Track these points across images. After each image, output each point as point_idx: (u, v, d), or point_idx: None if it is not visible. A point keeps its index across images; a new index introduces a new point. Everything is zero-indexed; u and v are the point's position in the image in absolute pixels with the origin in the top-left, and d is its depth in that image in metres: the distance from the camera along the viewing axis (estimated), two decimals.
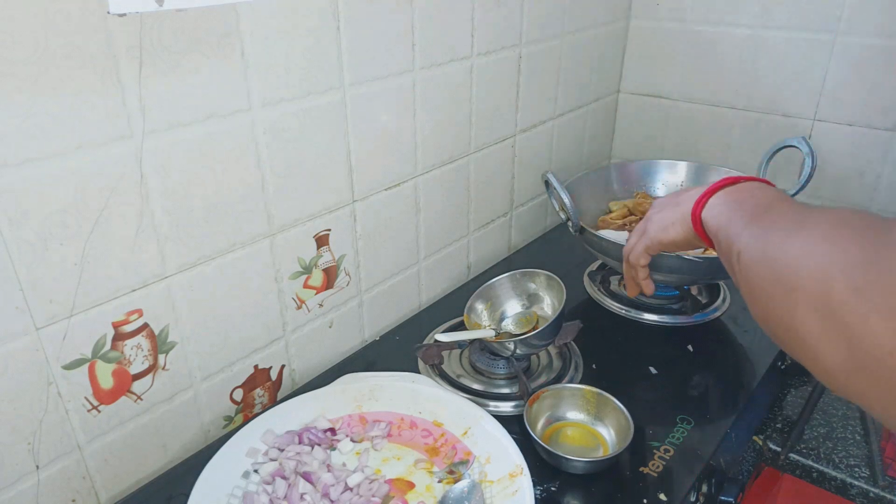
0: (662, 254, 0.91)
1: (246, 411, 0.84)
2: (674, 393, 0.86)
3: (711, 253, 1.01)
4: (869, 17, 1.09)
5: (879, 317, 0.33)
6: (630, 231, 1.05)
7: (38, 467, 0.64)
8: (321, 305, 0.89)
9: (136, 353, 0.69)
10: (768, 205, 0.52)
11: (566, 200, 0.95)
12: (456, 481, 0.69)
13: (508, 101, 1.10)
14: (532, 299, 0.92)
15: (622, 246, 0.92)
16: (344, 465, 0.72)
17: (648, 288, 0.83)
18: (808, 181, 1.06)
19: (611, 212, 1.14)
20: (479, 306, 0.91)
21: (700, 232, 0.64)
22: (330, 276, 0.88)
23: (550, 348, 0.91)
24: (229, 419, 0.82)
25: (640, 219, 1.07)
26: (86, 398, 0.66)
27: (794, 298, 0.40)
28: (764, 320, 0.45)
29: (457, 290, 1.11)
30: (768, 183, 0.61)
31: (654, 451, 0.75)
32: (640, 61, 1.37)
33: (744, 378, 0.89)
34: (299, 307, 0.86)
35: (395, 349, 0.95)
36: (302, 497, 0.66)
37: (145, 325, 0.69)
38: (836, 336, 0.36)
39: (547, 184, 0.99)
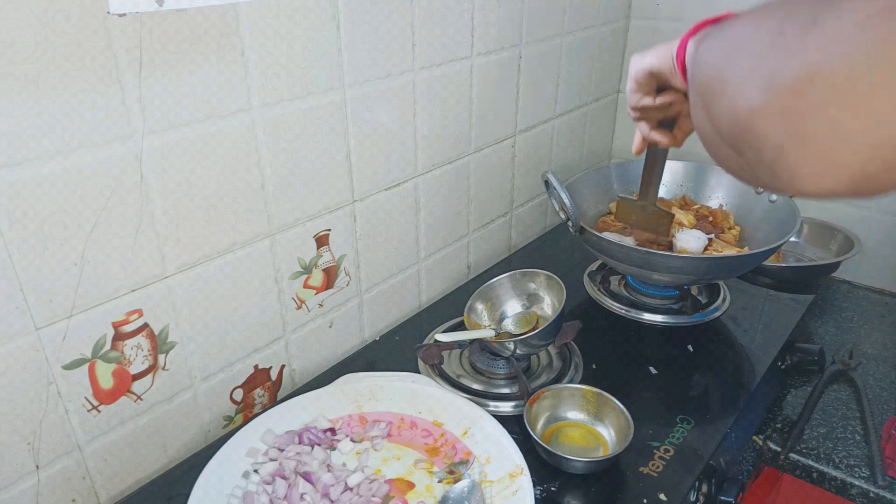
0: (663, 253, 0.91)
1: (246, 411, 0.84)
2: (674, 393, 0.86)
3: (712, 253, 1.01)
4: None
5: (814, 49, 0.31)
6: (630, 234, 1.05)
7: (38, 467, 0.64)
8: (321, 305, 0.89)
9: (136, 353, 0.69)
10: (721, 21, 0.49)
11: (566, 200, 0.95)
12: (456, 481, 0.69)
13: (508, 101, 1.10)
14: (532, 299, 0.92)
15: (622, 246, 0.92)
16: (344, 465, 0.72)
17: (662, 139, 0.79)
18: None
19: (611, 213, 1.14)
20: (479, 306, 0.91)
21: (681, 66, 0.62)
22: (330, 276, 0.88)
23: (550, 348, 0.91)
24: (229, 419, 0.82)
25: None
26: (86, 398, 0.66)
27: (742, 49, 0.38)
28: (704, 90, 0.42)
29: (457, 290, 1.11)
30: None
31: (654, 451, 0.75)
32: None
33: (744, 378, 0.89)
34: (299, 307, 0.86)
35: (395, 349, 0.95)
36: (302, 497, 0.66)
37: (145, 325, 0.69)
38: (759, 68, 0.34)
39: (547, 184, 0.99)
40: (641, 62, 0.71)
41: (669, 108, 0.76)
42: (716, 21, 0.57)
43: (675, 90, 0.73)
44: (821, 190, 0.34)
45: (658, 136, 0.79)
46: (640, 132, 0.80)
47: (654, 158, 0.90)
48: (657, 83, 0.73)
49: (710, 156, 0.46)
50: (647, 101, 0.75)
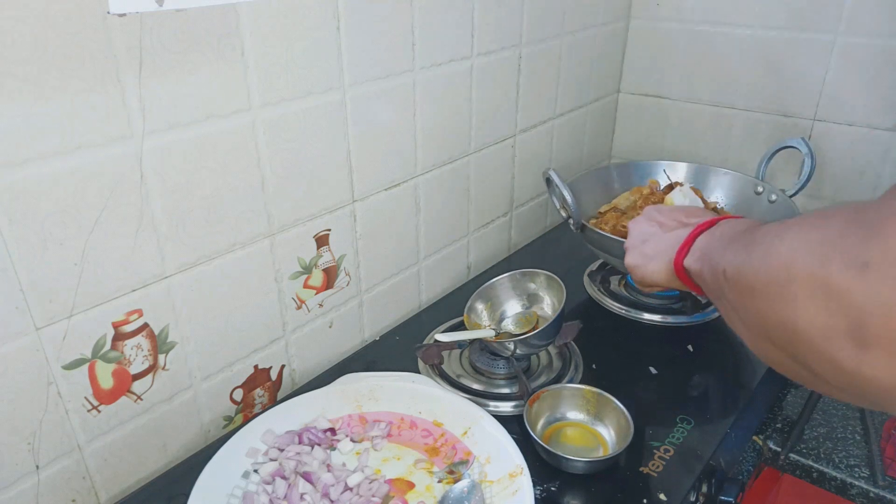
0: None
1: (246, 411, 0.84)
2: (674, 393, 0.86)
3: None
4: (869, 17, 1.09)
5: (889, 286, 0.31)
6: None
7: (38, 467, 0.64)
8: (321, 305, 0.89)
9: (136, 353, 0.69)
10: (747, 228, 0.51)
11: (568, 197, 0.95)
12: (456, 481, 0.69)
13: (508, 101, 1.10)
14: (532, 299, 0.92)
15: (623, 243, 0.92)
16: (344, 465, 0.72)
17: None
18: (807, 181, 1.06)
19: (601, 214, 1.13)
20: (479, 306, 0.91)
21: (686, 281, 0.63)
22: (330, 276, 0.88)
23: (550, 348, 0.91)
24: (229, 419, 0.82)
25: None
26: (86, 398, 0.66)
27: (792, 291, 0.37)
28: (760, 330, 0.42)
29: (457, 290, 1.11)
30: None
31: (654, 451, 0.75)
32: (640, 61, 1.37)
33: (744, 378, 0.89)
34: (299, 307, 0.86)
35: (395, 349, 0.95)
36: (302, 497, 0.66)
37: (145, 325, 0.69)
38: (841, 319, 0.33)
39: (548, 181, 0.99)
40: (648, 282, 0.70)
41: None
42: (701, 233, 0.60)
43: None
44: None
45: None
46: None
47: None
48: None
49: (796, 380, 0.46)
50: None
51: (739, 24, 1.22)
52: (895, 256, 0.31)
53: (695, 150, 1.36)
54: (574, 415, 0.79)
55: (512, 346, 0.82)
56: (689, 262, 0.61)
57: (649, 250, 0.69)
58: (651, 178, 1.18)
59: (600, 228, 0.99)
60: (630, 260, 0.72)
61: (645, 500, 0.69)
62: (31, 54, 0.53)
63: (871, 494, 0.80)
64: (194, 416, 0.78)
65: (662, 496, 0.69)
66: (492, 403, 0.81)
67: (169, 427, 0.75)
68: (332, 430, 0.76)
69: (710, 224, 0.60)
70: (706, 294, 0.58)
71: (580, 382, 0.84)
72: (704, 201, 1.11)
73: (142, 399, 0.71)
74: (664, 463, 0.73)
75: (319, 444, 0.73)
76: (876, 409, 0.37)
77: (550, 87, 1.19)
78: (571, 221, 0.97)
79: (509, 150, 1.15)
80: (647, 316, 1.01)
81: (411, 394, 0.79)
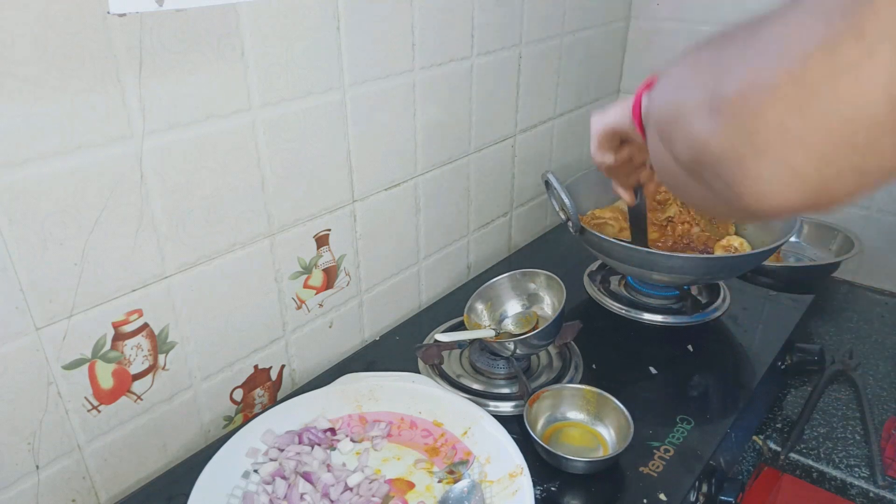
0: (663, 253, 0.91)
1: (246, 411, 0.84)
2: (674, 393, 0.86)
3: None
4: None
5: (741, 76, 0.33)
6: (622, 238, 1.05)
7: (38, 467, 0.64)
8: (321, 305, 0.89)
9: (136, 353, 0.69)
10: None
11: (566, 201, 0.95)
12: (456, 481, 0.69)
13: (508, 101, 1.10)
14: (532, 299, 0.92)
15: (623, 246, 0.92)
16: (344, 465, 0.72)
17: (627, 197, 0.83)
18: None
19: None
20: (479, 306, 0.91)
21: (637, 115, 0.63)
22: (330, 276, 0.88)
23: (550, 348, 0.91)
24: (229, 419, 0.82)
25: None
26: (86, 398, 0.66)
27: (689, 84, 0.40)
28: (661, 130, 0.44)
29: (457, 290, 1.11)
30: None
31: (654, 451, 0.75)
32: (640, 61, 1.37)
33: (744, 378, 0.89)
34: (299, 307, 0.86)
35: (395, 349, 0.95)
36: (302, 497, 0.66)
37: (145, 325, 0.69)
38: (707, 93, 0.36)
39: (547, 184, 0.99)
40: (602, 121, 0.73)
41: (632, 163, 0.79)
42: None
43: (635, 145, 0.74)
44: (783, 202, 0.34)
45: (624, 194, 0.84)
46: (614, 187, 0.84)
47: (638, 214, 0.92)
48: (619, 140, 0.74)
49: (675, 193, 0.47)
50: (609, 157, 0.76)
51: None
52: (771, 40, 0.32)
53: None
54: (574, 415, 0.79)
55: (512, 346, 0.82)
56: (646, 97, 0.60)
57: (613, 105, 0.72)
58: None
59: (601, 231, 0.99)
60: (592, 119, 0.75)
61: (645, 500, 0.69)
62: (31, 54, 0.53)
63: (871, 494, 0.80)
64: (194, 416, 0.78)
65: (662, 496, 0.69)
66: (492, 403, 0.81)
67: (169, 427, 0.75)
68: (332, 430, 0.76)
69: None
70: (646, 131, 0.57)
71: (580, 382, 0.84)
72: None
73: (142, 399, 0.71)
74: (664, 463, 0.73)
75: (319, 444, 0.73)
76: (718, 197, 0.39)
77: (550, 87, 1.19)
78: (570, 224, 0.97)
79: (509, 150, 1.15)
80: (647, 316, 1.01)
81: (411, 394, 0.79)
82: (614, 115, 0.71)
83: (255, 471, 0.70)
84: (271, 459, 0.71)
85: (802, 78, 0.30)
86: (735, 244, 1.02)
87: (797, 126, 0.31)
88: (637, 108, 0.63)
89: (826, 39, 0.29)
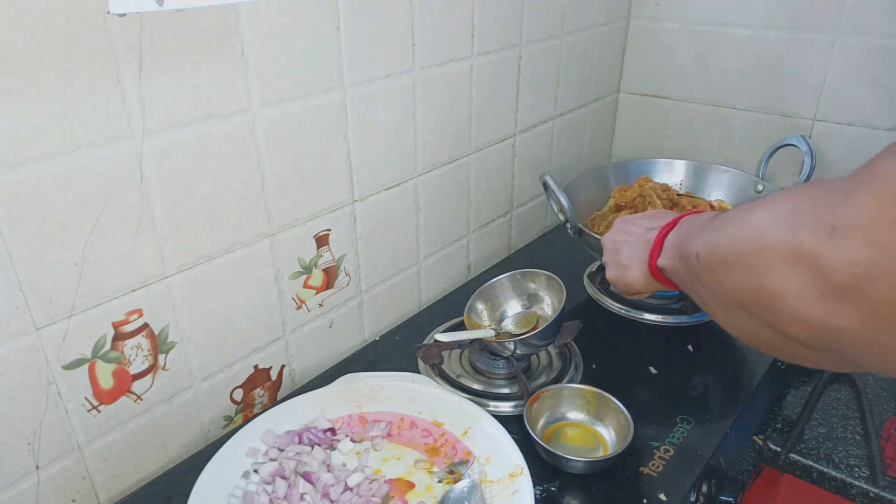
0: None
1: (246, 411, 0.84)
2: (674, 393, 0.86)
3: None
4: (869, 17, 1.09)
5: (856, 245, 0.34)
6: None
7: (37, 467, 0.64)
8: (321, 305, 0.89)
9: (136, 353, 0.69)
10: (715, 215, 0.53)
11: (564, 203, 0.95)
12: (456, 481, 0.69)
13: (508, 101, 1.10)
14: (532, 299, 0.92)
15: None
16: (344, 465, 0.72)
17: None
18: (807, 179, 1.06)
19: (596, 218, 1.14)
20: (480, 306, 0.91)
21: (662, 280, 0.64)
22: (330, 276, 0.88)
23: (550, 348, 0.91)
24: (229, 419, 0.82)
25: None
26: (86, 398, 0.66)
27: (765, 258, 0.40)
28: (733, 301, 0.45)
29: (457, 290, 1.11)
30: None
31: (654, 451, 0.75)
32: (640, 61, 1.37)
33: (744, 378, 0.89)
34: (299, 307, 0.86)
35: (395, 349, 0.95)
36: (302, 497, 0.66)
37: (145, 325, 0.69)
38: (811, 278, 0.36)
39: (545, 186, 0.99)
40: (629, 291, 0.72)
41: None
42: (669, 231, 0.61)
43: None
44: None
45: None
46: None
47: None
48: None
49: (776, 356, 0.49)
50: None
51: (739, 24, 1.22)
52: (860, 220, 0.34)
53: (695, 150, 1.36)
54: (574, 415, 0.79)
55: (512, 346, 0.82)
56: (662, 261, 0.62)
57: (624, 260, 0.71)
58: (642, 176, 1.18)
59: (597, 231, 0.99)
60: (610, 274, 0.75)
61: (645, 500, 0.69)
62: (31, 54, 0.53)
63: (871, 494, 0.79)
64: (194, 416, 0.78)
65: (662, 496, 0.69)
66: (492, 403, 0.81)
67: (169, 427, 0.75)
68: (332, 430, 0.76)
69: (675, 222, 0.62)
70: (682, 288, 0.59)
71: (580, 382, 0.84)
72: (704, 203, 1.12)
73: (142, 399, 0.71)
74: (664, 463, 0.73)
75: (319, 444, 0.73)
76: (842, 364, 0.41)
77: (550, 87, 1.19)
78: (569, 226, 0.97)
79: (509, 150, 1.15)
80: (647, 316, 1.01)
81: (411, 394, 0.79)
82: (641, 286, 0.69)
83: (255, 471, 0.70)
84: (271, 459, 0.71)
85: None
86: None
87: None
88: (654, 263, 0.63)
89: None
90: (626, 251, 0.71)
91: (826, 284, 0.35)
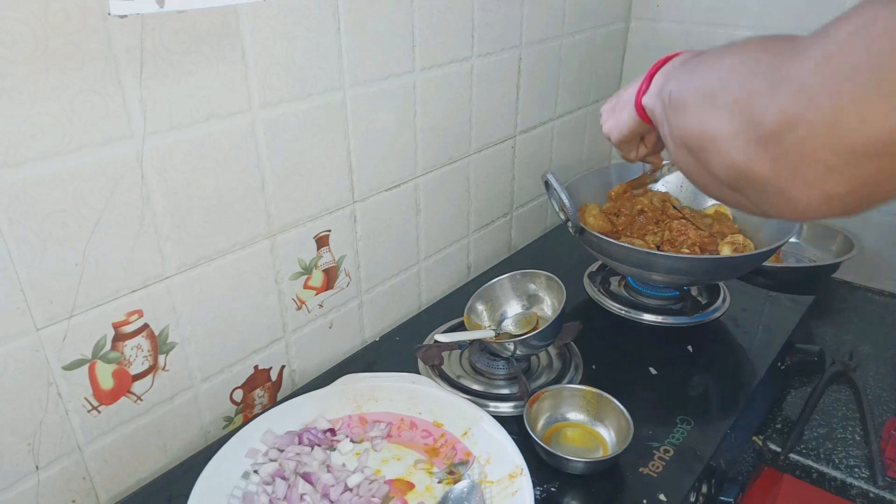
0: (663, 254, 0.91)
1: (246, 412, 0.84)
2: (674, 393, 0.86)
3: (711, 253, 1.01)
4: None
5: (790, 95, 0.36)
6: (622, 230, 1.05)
7: (37, 468, 0.64)
8: (321, 306, 0.89)
9: (136, 353, 0.69)
10: (696, 54, 0.54)
11: (566, 201, 0.95)
12: (456, 482, 0.69)
13: (508, 102, 1.10)
14: (532, 300, 0.92)
15: (622, 247, 0.92)
16: (344, 465, 0.72)
17: (654, 161, 0.82)
18: None
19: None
20: (480, 307, 0.91)
21: (646, 120, 0.65)
22: (330, 276, 0.88)
23: (550, 349, 0.91)
24: (229, 420, 0.82)
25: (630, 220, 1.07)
26: (86, 399, 0.66)
27: (717, 102, 0.42)
28: (682, 140, 0.47)
29: (457, 290, 1.11)
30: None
31: (654, 451, 0.75)
32: (640, 62, 1.37)
33: (744, 378, 0.89)
34: (299, 308, 0.86)
35: (395, 350, 0.95)
36: (302, 497, 0.66)
37: (145, 326, 0.69)
38: (745, 125, 0.39)
39: (547, 184, 0.99)
40: (622, 138, 0.72)
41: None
42: (664, 62, 0.62)
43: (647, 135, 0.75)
44: (816, 214, 0.39)
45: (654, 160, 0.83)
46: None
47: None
48: (640, 136, 0.75)
49: (708, 194, 0.50)
50: (639, 152, 0.76)
51: (739, 24, 1.22)
52: (802, 74, 0.36)
53: None
54: (574, 415, 0.79)
55: (512, 347, 0.82)
56: (646, 99, 0.62)
57: (618, 107, 0.71)
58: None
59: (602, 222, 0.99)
60: (605, 127, 0.75)
61: (645, 501, 0.69)
62: (31, 54, 0.53)
63: (871, 495, 0.80)
64: (194, 417, 0.78)
65: (662, 496, 0.69)
66: (492, 404, 0.81)
67: (169, 427, 0.75)
68: (332, 431, 0.76)
69: (665, 60, 0.62)
70: (659, 129, 0.59)
71: (580, 383, 0.84)
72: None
73: (142, 399, 0.71)
74: (664, 463, 0.73)
75: (319, 445, 0.73)
76: (756, 209, 0.45)
77: (550, 88, 1.19)
78: (570, 225, 0.97)
79: (509, 151, 1.15)
80: (646, 316, 1.01)
81: (411, 394, 0.79)
82: (630, 128, 0.70)
83: (255, 471, 0.70)
84: (271, 460, 0.71)
85: (840, 118, 0.34)
86: (739, 240, 1.02)
87: (832, 160, 0.35)
88: (639, 104, 0.65)
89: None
90: (623, 98, 0.72)
91: (754, 130, 0.38)
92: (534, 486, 0.66)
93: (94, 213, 0.61)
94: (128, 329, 0.67)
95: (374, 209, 0.91)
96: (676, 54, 0.62)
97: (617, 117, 0.72)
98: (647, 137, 0.75)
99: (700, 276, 0.98)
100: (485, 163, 1.09)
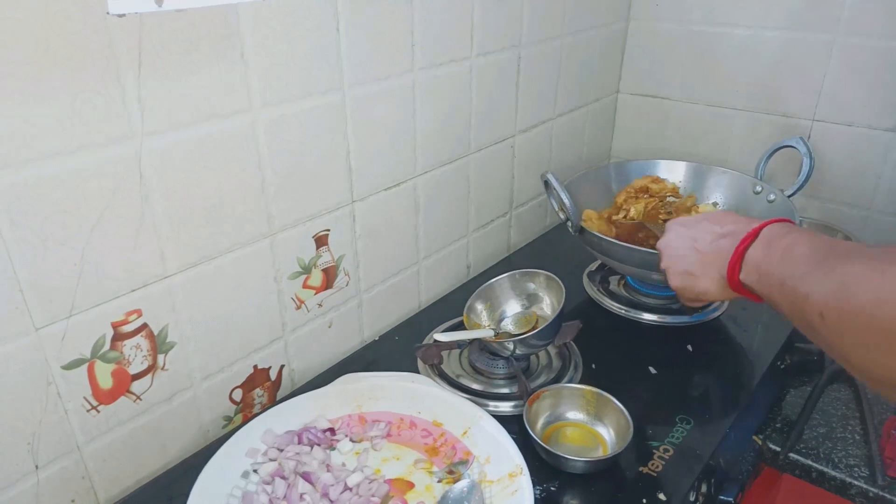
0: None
1: (245, 411, 0.84)
2: (673, 393, 0.86)
3: None
4: (869, 17, 1.09)
5: None
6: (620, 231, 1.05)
7: (37, 467, 0.64)
8: (320, 305, 0.89)
9: (136, 353, 0.69)
10: (813, 245, 0.52)
11: (566, 201, 0.95)
12: (455, 481, 0.69)
13: (508, 101, 1.10)
14: (531, 299, 0.92)
15: (622, 246, 0.92)
16: (343, 465, 0.72)
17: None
18: (806, 181, 1.06)
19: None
20: (479, 306, 0.91)
21: (743, 293, 0.63)
22: (329, 276, 0.88)
23: (550, 348, 0.91)
24: (229, 419, 0.82)
25: (633, 221, 1.07)
26: (85, 398, 0.66)
27: None
28: (863, 368, 0.45)
29: (456, 290, 1.11)
30: (788, 221, 0.61)
31: (654, 451, 0.75)
32: (640, 61, 1.38)
33: (744, 378, 0.89)
34: (299, 307, 0.86)
35: (395, 349, 0.95)
36: (301, 497, 0.66)
37: (144, 326, 0.69)
38: None
39: (546, 184, 0.99)
40: (701, 301, 0.73)
41: None
42: (750, 243, 0.61)
43: None
44: None
45: None
46: None
47: None
48: None
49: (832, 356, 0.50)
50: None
51: (739, 24, 1.22)
52: None
53: (694, 150, 1.36)
54: (574, 415, 0.79)
55: (511, 346, 0.82)
56: (745, 277, 0.61)
57: (695, 269, 0.69)
58: (645, 175, 1.17)
59: (602, 232, 0.99)
60: (676, 283, 0.73)
61: (645, 500, 0.69)
62: (31, 54, 0.53)
63: (871, 494, 0.80)
64: (194, 417, 0.78)
65: (662, 496, 0.69)
66: (491, 403, 0.81)
67: (168, 427, 0.75)
68: (332, 430, 0.76)
69: (754, 234, 0.61)
70: (773, 306, 0.59)
71: (580, 382, 0.84)
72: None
73: (141, 399, 0.71)
74: (664, 463, 0.73)
75: (319, 444, 0.73)
76: None
77: (550, 88, 1.19)
78: (570, 224, 0.97)
79: (509, 151, 1.15)
80: (646, 316, 1.01)
81: (411, 394, 0.79)
82: (715, 295, 0.69)
83: (255, 471, 0.70)
84: (271, 459, 0.71)
85: None
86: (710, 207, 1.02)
87: None
88: (736, 276, 0.63)
89: None
90: (694, 260, 0.69)
91: None
92: (533, 486, 0.66)
93: (94, 213, 0.61)
94: (127, 329, 0.67)
95: (374, 209, 0.91)
96: (762, 226, 0.60)
97: (696, 284, 0.69)
98: None
99: None
100: (484, 162, 1.09)
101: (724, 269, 0.63)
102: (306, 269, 0.85)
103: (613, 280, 1.11)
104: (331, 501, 0.67)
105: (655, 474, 0.72)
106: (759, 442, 0.88)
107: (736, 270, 0.62)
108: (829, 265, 0.49)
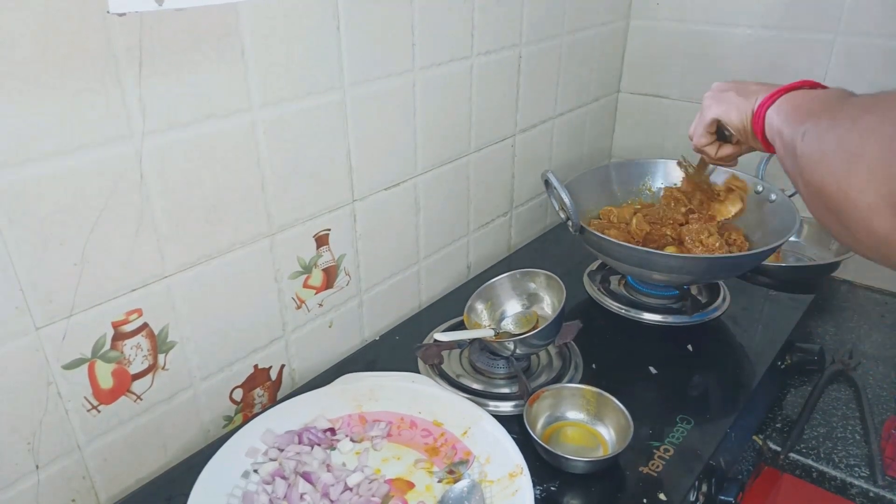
0: (662, 253, 0.91)
1: (245, 411, 0.84)
2: (674, 393, 0.86)
3: (711, 252, 1.01)
4: (869, 17, 1.09)
5: None
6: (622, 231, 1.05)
7: (37, 467, 0.64)
8: (321, 305, 0.89)
9: (136, 352, 0.69)
10: (836, 98, 0.55)
11: (566, 200, 0.95)
12: (456, 481, 0.69)
13: (508, 101, 1.10)
14: (532, 299, 0.92)
15: (622, 246, 0.92)
16: (344, 464, 0.72)
17: (728, 160, 0.87)
18: None
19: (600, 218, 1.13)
20: (479, 306, 0.91)
21: (759, 130, 0.68)
22: (330, 275, 0.88)
23: (550, 348, 0.91)
24: (229, 419, 0.82)
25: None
26: (85, 398, 0.66)
27: (856, 165, 0.43)
28: (817, 193, 0.48)
29: (457, 289, 1.11)
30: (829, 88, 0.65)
31: (654, 450, 0.75)
32: (640, 61, 1.37)
33: (744, 378, 0.89)
34: (299, 307, 0.86)
35: (395, 349, 0.95)
36: (302, 497, 0.66)
37: (145, 325, 0.69)
38: (888, 195, 0.40)
39: (547, 183, 0.99)
40: (723, 116, 0.77)
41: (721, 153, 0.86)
42: (791, 89, 0.65)
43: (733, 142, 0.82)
44: None
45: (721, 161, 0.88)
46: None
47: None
48: (716, 127, 0.81)
49: (813, 214, 0.53)
50: (711, 149, 0.84)
51: (739, 24, 1.22)
52: None
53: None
54: (574, 415, 0.79)
55: (512, 346, 0.82)
56: (772, 113, 0.65)
57: (732, 97, 0.75)
58: (644, 182, 1.17)
59: (606, 233, 0.99)
60: (709, 104, 0.79)
61: (645, 500, 0.69)
62: (31, 54, 0.53)
63: (871, 494, 0.80)
64: (194, 416, 0.78)
65: (662, 496, 0.69)
66: (492, 403, 0.81)
67: (169, 427, 0.75)
68: (332, 430, 0.76)
69: (800, 85, 0.65)
70: (774, 150, 0.63)
71: (580, 382, 0.84)
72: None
73: (141, 399, 0.71)
74: (664, 463, 0.73)
75: (319, 444, 0.73)
76: (891, 264, 0.47)
77: (550, 87, 1.19)
78: (570, 223, 0.97)
79: (509, 150, 1.15)
80: (646, 316, 1.01)
81: (411, 394, 0.79)
82: (729, 113, 0.75)
83: (255, 471, 0.70)
84: (271, 459, 0.71)
85: None
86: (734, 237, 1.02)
87: None
88: (760, 123, 0.68)
89: None
90: (735, 92, 0.74)
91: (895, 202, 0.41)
92: (534, 486, 0.66)
93: (94, 213, 0.61)
94: (127, 328, 0.67)
95: (374, 208, 0.91)
96: (805, 83, 0.65)
97: (728, 106, 0.75)
98: (733, 148, 0.81)
99: (700, 275, 0.98)
100: (484, 162, 1.09)
101: (756, 103, 0.68)
102: (307, 269, 0.85)
103: (614, 280, 1.11)
104: (331, 501, 0.67)
105: (656, 474, 0.72)
106: (760, 442, 0.88)
107: (767, 103, 0.66)
108: (832, 107, 0.53)
